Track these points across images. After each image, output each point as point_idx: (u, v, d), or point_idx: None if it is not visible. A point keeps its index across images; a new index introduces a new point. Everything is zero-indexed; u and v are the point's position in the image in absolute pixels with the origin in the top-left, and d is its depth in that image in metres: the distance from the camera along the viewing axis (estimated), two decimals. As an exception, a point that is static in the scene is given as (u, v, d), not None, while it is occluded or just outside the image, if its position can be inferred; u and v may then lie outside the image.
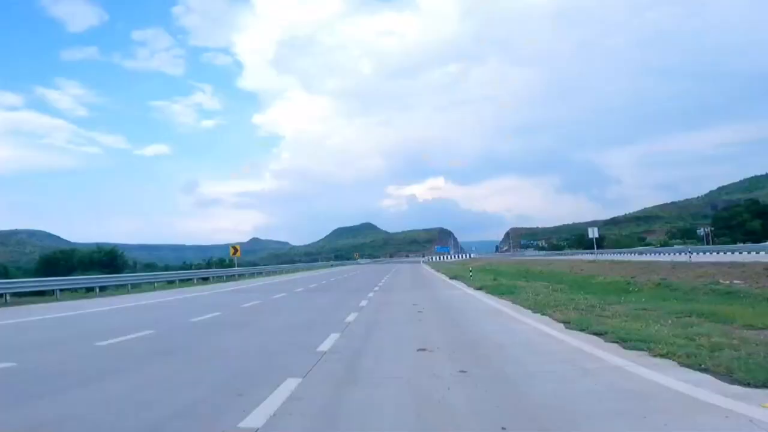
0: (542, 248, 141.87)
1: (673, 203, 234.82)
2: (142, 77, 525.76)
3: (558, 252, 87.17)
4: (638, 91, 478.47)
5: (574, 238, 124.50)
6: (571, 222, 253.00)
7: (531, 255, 79.22)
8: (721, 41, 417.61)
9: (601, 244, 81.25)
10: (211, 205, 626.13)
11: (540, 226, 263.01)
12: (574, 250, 74.07)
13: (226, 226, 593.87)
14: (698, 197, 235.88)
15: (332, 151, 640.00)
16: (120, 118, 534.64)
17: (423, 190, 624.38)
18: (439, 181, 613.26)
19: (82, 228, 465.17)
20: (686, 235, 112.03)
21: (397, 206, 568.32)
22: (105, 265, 35.07)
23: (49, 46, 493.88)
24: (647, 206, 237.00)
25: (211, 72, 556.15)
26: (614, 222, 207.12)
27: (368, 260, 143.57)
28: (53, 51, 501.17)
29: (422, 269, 42.65)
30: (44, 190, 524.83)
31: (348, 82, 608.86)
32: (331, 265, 77.72)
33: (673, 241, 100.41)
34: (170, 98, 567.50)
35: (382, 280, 23.41)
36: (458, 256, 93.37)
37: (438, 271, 34.49)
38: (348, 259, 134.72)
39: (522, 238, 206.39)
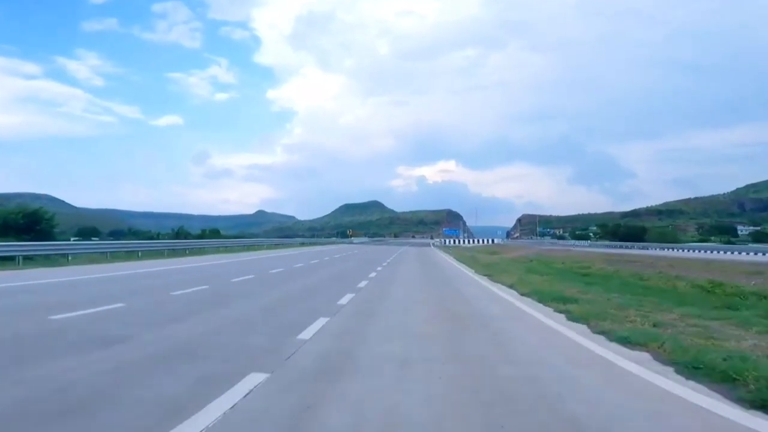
0: (561, 237, 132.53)
1: (696, 198, 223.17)
2: (159, 49, 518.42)
3: (607, 243, 62.63)
4: (658, 86, 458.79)
5: (598, 228, 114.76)
6: (586, 212, 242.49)
7: (569, 245, 60.09)
8: (752, 39, 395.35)
9: (642, 236, 71.38)
10: (220, 176, 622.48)
11: (553, 214, 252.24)
12: (615, 242, 62.81)
13: (234, 198, 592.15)
14: (724, 194, 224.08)
15: (344, 128, 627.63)
16: (136, 88, 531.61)
17: (433, 172, 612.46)
18: (450, 164, 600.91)
19: (90, 194, 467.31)
20: (725, 232, 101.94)
21: (407, 186, 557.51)
22: (22, 230, 26.00)
23: (71, 17, 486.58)
24: (668, 200, 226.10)
25: (228, 46, 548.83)
26: (635, 214, 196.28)
27: (366, 239, 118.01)
28: (74, 22, 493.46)
29: (442, 261, 26.61)
30: (57, 156, 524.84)
31: (364, 61, 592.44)
32: (301, 244, 54.77)
33: (714, 238, 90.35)
34: (186, 71, 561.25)
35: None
36: (472, 241, 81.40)
37: (484, 275, 15.48)
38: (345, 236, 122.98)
39: (534, 225, 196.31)
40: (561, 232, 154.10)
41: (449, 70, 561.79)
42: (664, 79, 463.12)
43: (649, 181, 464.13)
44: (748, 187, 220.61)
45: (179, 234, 38.07)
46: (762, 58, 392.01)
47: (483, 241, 73.36)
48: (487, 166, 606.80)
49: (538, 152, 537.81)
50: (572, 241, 79.74)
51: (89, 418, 3.13)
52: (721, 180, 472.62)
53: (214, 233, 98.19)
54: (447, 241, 74.33)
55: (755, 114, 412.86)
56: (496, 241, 70.99)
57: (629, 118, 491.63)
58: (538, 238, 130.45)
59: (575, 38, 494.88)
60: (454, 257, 30.29)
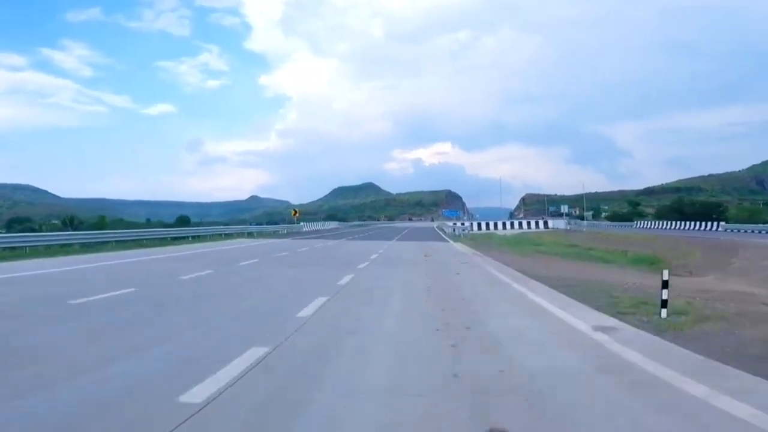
0: (579, 217, 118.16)
1: (711, 175, 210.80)
2: (148, 37, 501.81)
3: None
4: (659, 66, 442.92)
5: (630, 206, 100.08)
6: (592, 191, 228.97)
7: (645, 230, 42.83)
8: (752, 18, 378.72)
9: (715, 215, 57.03)
10: (214, 163, 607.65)
11: (556, 193, 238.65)
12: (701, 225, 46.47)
13: (228, 185, 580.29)
14: (740, 171, 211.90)
15: (339, 113, 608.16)
16: (126, 77, 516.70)
17: (429, 155, 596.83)
18: (446, 146, 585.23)
19: (80, 184, 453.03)
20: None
21: (402, 169, 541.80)
22: None
23: (54, 8, 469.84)
24: (676, 179, 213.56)
25: (219, 33, 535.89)
26: (649, 192, 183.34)
27: (336, 223, 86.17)
28: (59, 12, 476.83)
29: None
30: (46, 147, 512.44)
31: (357, 45, 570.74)
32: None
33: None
34: (177, 58, 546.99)
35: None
36: (490, 225, 59.41)
37: None
38: (331, 221, 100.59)
39: (539, 204, 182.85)
40: (578, 211, 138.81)
41: (443, 52, 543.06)
42: (664, 59, 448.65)
43: (648, 160, 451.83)
44: (764, 163, 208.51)
45: (66, 224, 23.03)
46: (758, 38, 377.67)
47: (523, 224, 54.45)
48: (483, 148, 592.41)
49: (533, 133, 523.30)
50: (629, 223, 62.99)
51: None
52: (726, 159, 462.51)
53: (184, 221, 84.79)
54: (472, 225, 51.91)
55: (761, 93, 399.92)
56: (551, 224, 51.53)
57: (627, 97, 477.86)
58: (553, 218, 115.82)
59: (568, 17, 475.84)
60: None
